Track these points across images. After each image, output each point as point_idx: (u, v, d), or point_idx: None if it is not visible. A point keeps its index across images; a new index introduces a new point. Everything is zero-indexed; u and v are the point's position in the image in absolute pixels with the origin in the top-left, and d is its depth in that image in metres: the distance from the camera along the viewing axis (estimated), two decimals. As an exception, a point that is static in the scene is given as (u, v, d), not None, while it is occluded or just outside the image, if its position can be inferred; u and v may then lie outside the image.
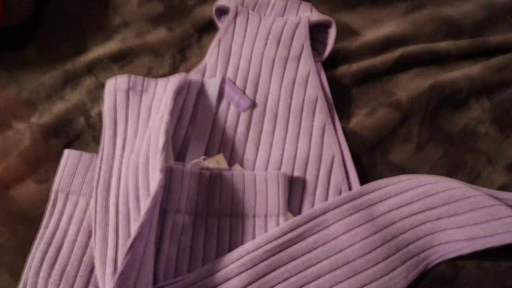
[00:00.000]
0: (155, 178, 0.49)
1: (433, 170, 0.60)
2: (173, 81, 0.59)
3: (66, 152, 0.56)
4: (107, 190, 0.53)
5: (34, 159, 0.58)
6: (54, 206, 0.53)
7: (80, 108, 0.62)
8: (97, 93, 0.64)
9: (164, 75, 0.66)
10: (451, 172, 0.60)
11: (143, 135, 0.56)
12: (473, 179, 0.60)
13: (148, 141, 0.53)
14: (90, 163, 0.55)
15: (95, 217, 0.51)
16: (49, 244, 0.51)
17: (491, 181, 0.60)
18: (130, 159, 0.54)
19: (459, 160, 0.62)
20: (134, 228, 0.48)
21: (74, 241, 0.51)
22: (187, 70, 0.66)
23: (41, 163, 0.57)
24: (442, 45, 0.71)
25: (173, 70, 0.67)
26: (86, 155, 0.55)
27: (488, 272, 0.52)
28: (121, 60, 0.67)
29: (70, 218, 0.52)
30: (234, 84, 0.63)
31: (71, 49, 0.68)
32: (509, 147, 0.63)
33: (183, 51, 0.69)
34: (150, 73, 0.66)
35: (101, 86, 0.64)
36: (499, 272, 0.52)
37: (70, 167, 0.55)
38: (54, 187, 0.54)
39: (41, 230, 0.51)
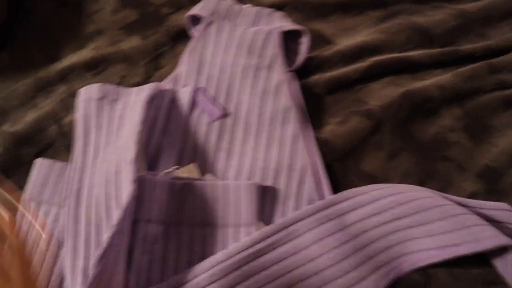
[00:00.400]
0: (127, 189, 0.49)
1: (405, 178, 0.61)
2: (145, 91, 0.59)
3: (38, 161, 0.55)
4: (79, 199, 0.52)
5: (5, 167, 0.57)
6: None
7: (52, 117, 0.62)
8: (70, 101, 0.63)
9: (137, 84, 0.65)
10: (422, 180, 0.61)
11: (114, 145, 0.55)
12: (444, 187, 0.61)
13: (120, 151, 0.53)
14: (62, 172, 0.55)
15: (67, 227, 0.50)
16: None
17: (462, 189, 0.61)
18: (102, 168, 0.53)
19: (431, 168, 0.62)
20: (105, 238, 0.48)
21: (46, 251, 0.50)
22: (161, 79, 0.66)
23: (13, 171, 0.57)
24: (414, 53, 0.72)
25: (146, 79, 0.67)
26: (58, 164, 0.55)
27: (458, 279, 0.52)
28: (94, 69, 0.67)
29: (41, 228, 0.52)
30: (207, 93, 0.62)
31: (45, 57, 0.68)
32: (480, 154, 0.64)
33: (156, 59, 0.69)
34: (123, 82, 0.66)
35: (74, 94, 0.63)
36: (470, 279, 0.52)
37: (41, 176, 0.54)
38: (25, 196, 0.53)
39: None
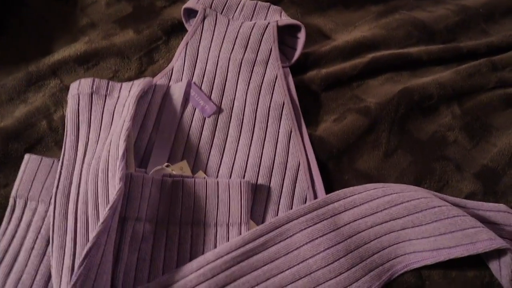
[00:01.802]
0: (114, 187, 0.48)
1: (401, 177, 0.60)
2: (136, 86, 0.58)
3: (26, 156, 0.54)
4: (67, 196, 0.51)
5: (-6, 163, 0.56)
6: (12, 212, 0.52)
7: (43, 112, 0.61)
8: (61, 96, 0.62)
9: (130, 79, 0.64)
10: (419, 179, 0.60)
11: (104, 141, 0.54)
12: (441, 187, 0.60)
13: (108, 147, 0.52)
14: (50, 169, 0.54)
15: (53, 224, 0.50)
16: (5, 252, 0.49)
17: (459, 189, 0.60)
18: (91, 165, 0.53)
19: (427, 168, 0.61)
20: (91, 237, 0.47)
21: (31, 249, 0.50)
22: (154, 74, 0.65)
23: (1, 167, 0.56)
24: (414, 50, 0.71)
25: (139, 74, 0.66)
26: (46, 160, 0.54)
27: (453, 281, 0.51)
28: (86, 63, 0.66)
29: (28, 225, 0.51)
30: (200, 88, 0.61)
31: (36, 50, 0.67)
32: (478, 155, 0.63)
33: (150, 54, 0.68)
34: (116, 76, 0.65)
35: (66, 89, 0.62)
36: (465, 282, 0.51)
37: (29, 172, 0.53)
38: (13, 192, 0.52)
39: None
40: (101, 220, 0.45)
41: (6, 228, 0.51)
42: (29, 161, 0.54)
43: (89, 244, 0.44)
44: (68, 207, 0.51)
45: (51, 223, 0.50)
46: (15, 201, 0.52)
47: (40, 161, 0.54)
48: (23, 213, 0.52)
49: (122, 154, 0.49)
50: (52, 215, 0.50)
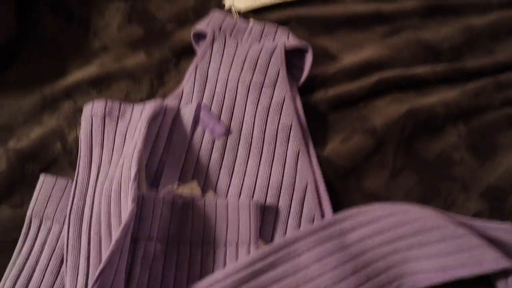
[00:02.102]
0: (127, 207, 0.49)
1: (407, 197, 0.60)
2: (148, 108, 0.59)
3: (41, 177, 0.56)
4: (80, 217, 0.53)
5: (10, 184, 0.58)
6: (27, 232, 0.53)
7: (57, 133, 0.62)
8: (74, 117, 0.64)
9: (141, 100, 0.66)
10: (425, 199, 0.60)
11: (117, 162, 0.56)
12: (447, 206, 0.60)
13: (121, 169, 0.54)
14: (65, 189, 0.55)
15: (67, 244, 0.51)
16: (20, 270, 0.51)
17: (466, 208, 0.60)
18: (104, 186, 0.54)
19: (434, 187, 0.61)
20: (104, 257, 0.48)
21: (46, 267, 0.51)
22: (165, 95, 0.67)
23: (17, 188, 0.58)
24: (420, 70, 0.71)
25: (150, 95, 0.67)
26: (61, 181, 0.56)
27: (460, 301, 0.52)
28: (99, 85, 0.67)
29: (43, 244, 0.53)
30: (210, 110, 0.63)
31: (51, 73, 0.69)
32: (484, 174, 0.63)
33: (161, 76, 0.69)
34: (128, 98, 0.67)
35: (79, 110, 0.64)
36: (472, 302, 0.52)
37: (44, 192, 0.55)
38: (28, 212, 0.54)
39: (14, 256, 0.52)
40: (113, 240, 0.46)
41: (22, 247, 0.52)
42: (44, 181, 0.56)
43: (102, 264, 0.45)
44: (82, 227, 0.52)
45: (65, 243, 0.51)
46: (30, 221, 0.54)
47: (55, 182, 0.56)
48: (38, 232, 0.53)
49: (134, 175, 0.51)
50: (66, 235, 0.51)
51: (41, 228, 0.53)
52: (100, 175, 0.56)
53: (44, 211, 0.54)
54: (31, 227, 0.53)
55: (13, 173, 0.58)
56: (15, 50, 0.70)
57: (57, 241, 0.53)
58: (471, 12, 0.82)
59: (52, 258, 0.52)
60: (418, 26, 0.78)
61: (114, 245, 0.46)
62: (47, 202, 0.54)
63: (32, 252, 0.52)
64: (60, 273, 0.51)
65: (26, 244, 0.52)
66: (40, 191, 0.55)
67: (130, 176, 0.51)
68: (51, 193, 0.55)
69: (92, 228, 0.51)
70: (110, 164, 0.56)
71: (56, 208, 0.54)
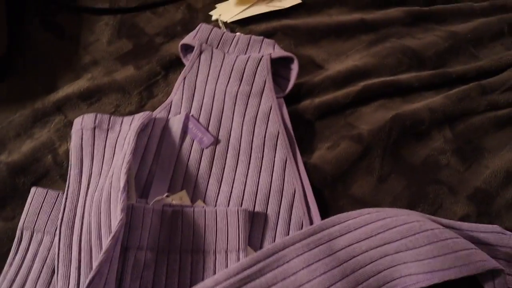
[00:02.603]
0: (116, 217, 0.49)
1: (395, 202, 0.61)
2: (137, 120, 0.60)
3: (33, 190, 0.56)
4: (71, 228, 0.53)
5: (1, 196, 0.58)
6: (19, 243, 0.53)
7: (48, 147, 0.63)
8: (65, 131, 0.65)
9: (131, 113, 0.67)
10: (413, 203, 0.61)
11: (106, 174, 0.56)
12: (435, 210, 0.61)
13: (110, 180, 0.54)
14: (56, 201, 0.56)
15: (58, 254, 0.51)
16: (12, 282, 0.51)
17: (453, 211, 0.61)
18: (94, 197, 0.54)
19: (421, 192, 0.62)
20: (95, 266, 0.49)
21: (37, 278, 0.51)
22: (154, 107, 0.67)
23: (8, 201, 0.58)
24: (404, 77, 0.73)
25: (140, 108, 0.68)
26: (51, 193, 0.56)
27: (449, 303, 0.52)
28: (89, 99, 0.68)
29: (34, 256, 0.53)
30: (198, 120, 0.64)
31: (42, 88, 0.70)
32: (470, 177, 0.64)
33: (150, 88, 0.70)
34: (117, 111, 0.67)
35: (70, 124, 0.65)
36: (461, 303, 0.52)
37: (35, 205, 0.55)
38: (20, 224, 0.54)
39: (5, 268, 0.52)
40: (103, 249, 0.47)
41: (13, 259, 0.52)
42: (35, 194, 0.56)
43: (92, 273, 0.45)
44: (73, 238, 0.53)
45: (56, 254, 0.51)
46: (22, 233, 0.54)
47: (46, 194, 0.56)
48: (29, 244, 0.54)
49: (123, 186, 0.51)
50: (57, 246, 0.52)
51: (32, 240, 0.54)
52: (90, 186, 0.56)
53: (35, 223, 0.54)
54: (22, 240, 0.54)
55: (5, 186, 0.59)
56: (7, 66, 0.71)
57: (48, 252, 0.53)
58: (455, 19, 0.83)
59: (44, 269, 0.52)
60: (403, 34, 0.80)
61: (104, 255, 0.46)
62: (38, 214, 0.55)
63: (24, 264, 0.52)
64: (52, 283, 0.51)
65: (18, 255, 0.53)
66: (31, 203, 0.55)
67: (119, 186, 0.52)
68: (42, 205, 0.55)
69: (82, 238, 0.52)
70: (100, 175, 0.57)
71: (47, 220, 0.55)
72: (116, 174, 0.54)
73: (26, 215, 0.55)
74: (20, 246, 0.53)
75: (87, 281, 0.45)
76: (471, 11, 0.85)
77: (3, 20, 0.72)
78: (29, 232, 0.54)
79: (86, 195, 0.55)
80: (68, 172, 0.57)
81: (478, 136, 0.68)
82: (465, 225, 0.57)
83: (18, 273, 0.52)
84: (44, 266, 0.52)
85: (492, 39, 0.80)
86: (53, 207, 0.56)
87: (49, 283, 0.51)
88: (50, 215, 0.55)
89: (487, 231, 0.56)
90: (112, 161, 0.58)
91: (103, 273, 0.47)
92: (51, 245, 0.53)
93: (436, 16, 0.83)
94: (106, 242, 0.49)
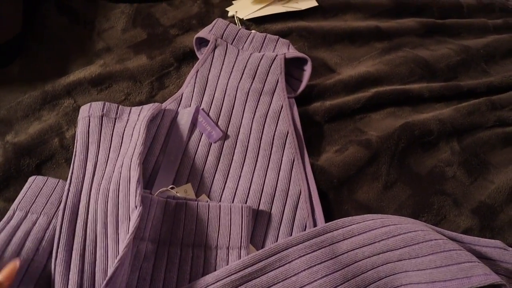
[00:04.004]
0: (124, 207, 0.49)
1: (399, 210, 0.61)
2: (146, 110, 0.60)
3: (31, 178, 0.55)
4: (75, 213, 0.53)
5: (5, 177, 0.58)
6: (7, 222, 0.51)
7: (55, 130, 0.63)
8: (73, 115, 0.64)
9: (141, 102, 0.67)
10: (417, 213, 0.61)
11: (114, 162, 0.56)
12: (438, 221, 0.61)
13: (120, 169, 0.54)
14: (56, 186, 0.55)
15: (59, 239, 0.51)
16: None
17: (457, 224, 0.61)
18: (100, 185, 0.54)
19: (426, 201, 0.62)
20: (99, 254, 0.49)
21: (31, 260, 0.50)
22: (164, 98, 0.67)
23: (12, 181, 0.58)
24: (415, 86, 0.73)
25: (150, 98, 0.68)
26: (52, 180, 0.55)
27: (448, 315, 0.52)
28: (100, 85, 0.68)
29: (26, 235, 0.51)
30: (208, 115, 0.63)
31: (53, 71, 0.69)
32: (475, 191, 0.64)
33: (161, 79, 0.70)
34: (127, 99, 0.67)
35: (78, 108, 0.65)
36: (460, 316, 0.52)
37: (34, 189, 0.54)
38: (13, 205, 0.52)
39: None
40: (125, 244, 0.46)
41: None
42: (34, 180, 0.55)
43: (116, 262, 0.44)
44: (76, 224, 0.52)
45: (57, 237, 0.51)
46: (14, 212, 0.52)
47: (46, 181, 0.55)
48: (20, 223, 0.51)
49: (137, 178, 0.50)
50: (59, 230, 0.51)
51: (26, 220, 0.51)
52: (96, 174, 0.56)
53: (31, 205, 0.52)
54: (13, 219, 0.51)
55: (10, 167, 0.58)
56: (20, 46, 0.70)
57: (44, 233, 0.52)
58: (468, 34, 0.84)
59: (39, 251, 0.50)
60: (416, 44, 0.80)
61: (125, 249, 0.45)
62: (36, 197, 0.53)
63: (12, 241, 0.49)
64: (47, 267, 0.50)
65: (3, 233, 0.50)
66: (28, 187, 0.54)
67: (129, 177, 0.51)
68: (41, 189, 0.54)
69: (88, 226, 0.51)
70: (106, 163, 0.56)
71: (46, 202, 0.53)
72: (126, 164, 0.53)
73: (23, 197, 0.53)
74: (9, 224, 0.51)
75: (111, 273, 0.44)
76: (485, 27, 0.85)
77: (19, 0, 0.71)
78: (23, 212, 0.52)
79: (92, 182, 0.55)
80: (73, 157, 0.56)
81: (485, 150, 0.68)
82: (467, 238, 0.57)
83: (5, 251, 0.49)
84: (40, 248, 0.51)
85: (504, 56, 0.81)
86: (52, 192, 0.54)
87: (45, 266, 0.50)
88: (49, 198, 0.54)
89: (489, 245, 0.56)
90: (120, 149, 0.57)
91: (125, 264, 0.46)
92: (48, 227, 0.52)
93: (449, 29, 0.83)
94: (112, 230, 0.49)
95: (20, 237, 0.50)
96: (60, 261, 0.49)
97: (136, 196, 0.49)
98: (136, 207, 0.48)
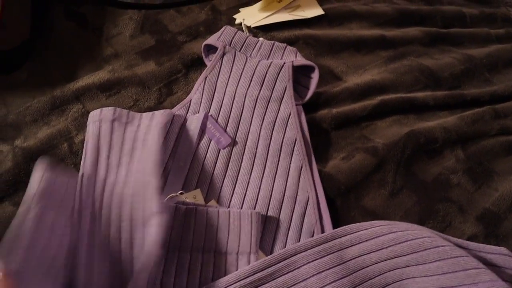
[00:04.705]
0: (152, 219, 0.49)
1: (405, 217, 0.61)
2: (159, 116, 0.60)
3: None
4: (93, 216, 0.53)
5: (14, 181, 0.58)
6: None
7: (64, 135, 0.63)
8: (82, 120, 0.65)
9: (149, 108, 0.67)
10: (422, 219, 0.62)
11: (127, 166, 0.56)
12: (444, 227, 0.61)
13: (137, 175, 0.54)
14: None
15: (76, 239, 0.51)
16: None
17: (462, 230, 0.61)
18: (115, 189, 0.54)
19: (431, 209, 0.63)
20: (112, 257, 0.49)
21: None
22: (172, 105, 0.68)
23: (21, 186, 0.58)
24: (420, 95, 0.74)
25: (158, 104, 0.68)
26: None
27: (454, 320, 0.52)
28: (108, 90, 0.68)
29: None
30: (216, 121, 0.64)
31: (62, 76, 0.70)
32: (480, 198, 0.65)
33: (169, 85, 0.71)
34: (136, 105, 0.68)
35: (87, 114, 0.65)
36: (466, 322, 0.52)
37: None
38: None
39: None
40: (153, 257, 0.47)
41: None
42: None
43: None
44: (94, 226, 0.52)
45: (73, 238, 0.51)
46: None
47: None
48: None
49: (156, 187, 0.51)
50: (75, 231, 0.51)
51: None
52: (108, 177, 0.56)
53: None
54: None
55: (19, 171, 0.59)
56: (29, 51, 0.71)
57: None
58: (471, 43, 0.85)
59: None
60: (420, 53, 0.81)
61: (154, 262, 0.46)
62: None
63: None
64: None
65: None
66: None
67: (146, 182, 0.52)
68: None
69: (100, 229, 0.52)
70: (118, 167, 0.57)
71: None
72: (142, 169, 0.54)
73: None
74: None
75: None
76: (487, 37, 0.86)
77: (27, 6, 0.72)
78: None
79: (105, 185, 0.55)
80: (83, 158, 0.57)
81: (488, 158, 0.69)
82: (472, 244, 0.58)
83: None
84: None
85: (506, 66, 0.82)
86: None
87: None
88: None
89: (494, 252, 0.57)
90: (132, 153, 0.58)
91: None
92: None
93: (453, 39, 0.85)
94: (126, 235, 0.50)
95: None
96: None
97: (156, 202, 0.49)
98: (156, 212, 0.49)
